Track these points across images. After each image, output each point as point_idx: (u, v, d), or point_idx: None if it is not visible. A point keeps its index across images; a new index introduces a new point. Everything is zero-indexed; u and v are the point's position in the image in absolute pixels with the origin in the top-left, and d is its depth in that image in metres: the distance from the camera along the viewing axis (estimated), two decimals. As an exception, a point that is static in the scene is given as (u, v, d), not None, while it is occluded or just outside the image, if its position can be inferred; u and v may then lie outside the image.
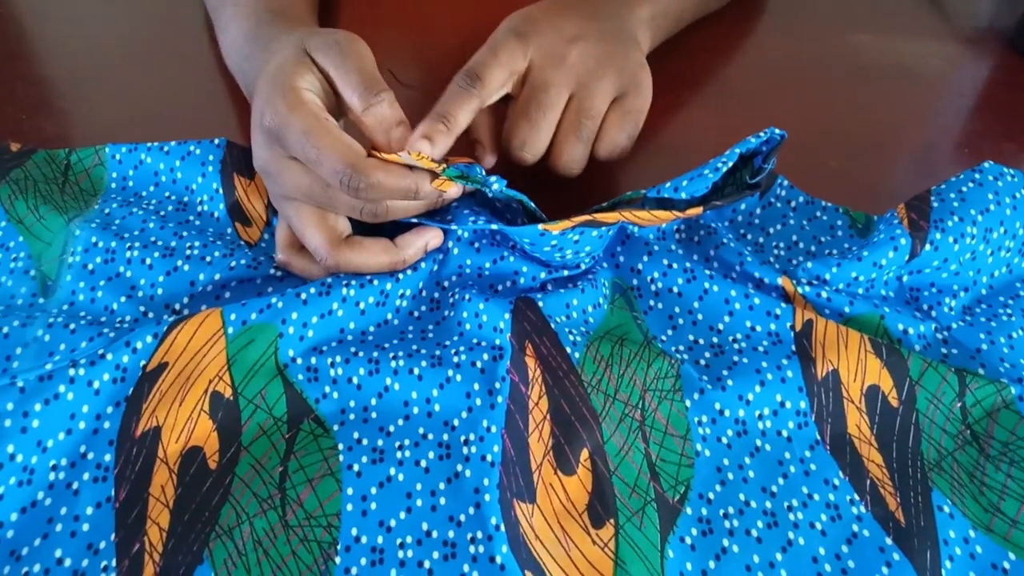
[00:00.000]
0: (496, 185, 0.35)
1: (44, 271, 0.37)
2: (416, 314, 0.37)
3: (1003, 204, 0.39)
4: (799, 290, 0.38)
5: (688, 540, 0.31)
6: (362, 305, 0.36)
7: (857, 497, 0.33)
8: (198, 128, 0.45)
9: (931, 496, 0.33)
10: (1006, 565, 0.31)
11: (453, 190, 0.35)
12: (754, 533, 0.31)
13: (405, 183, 0.33)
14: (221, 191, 0.41)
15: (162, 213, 0.40)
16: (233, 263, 0.37)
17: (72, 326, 0.34)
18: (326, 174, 0.33)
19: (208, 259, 0.37)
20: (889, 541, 0.31)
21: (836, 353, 0.35)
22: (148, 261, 0.37)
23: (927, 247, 0.38)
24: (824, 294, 0.38)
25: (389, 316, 0.37)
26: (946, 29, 0.64)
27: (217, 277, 0.37)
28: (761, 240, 0.43)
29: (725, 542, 0.31)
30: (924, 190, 0.41)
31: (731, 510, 0.32)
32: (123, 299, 0.36)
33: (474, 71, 0.37)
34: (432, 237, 0.37)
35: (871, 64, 0.59)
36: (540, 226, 0.35)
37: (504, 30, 0.40)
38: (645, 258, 0.40)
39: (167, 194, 0.42)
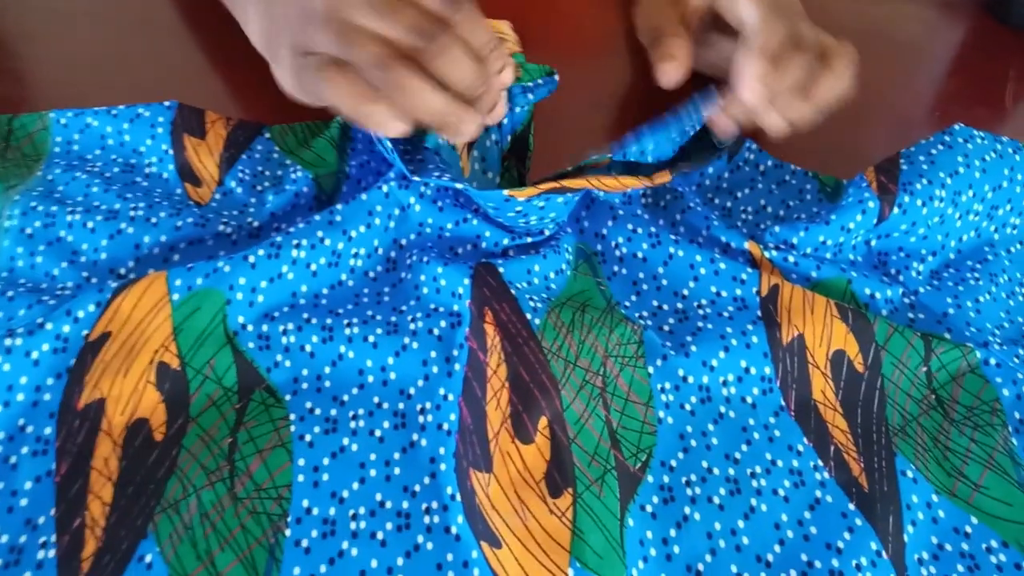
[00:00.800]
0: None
1: (-18, 238, 0.36)
2: (372, 274, 0.36)
3: (972, 167, 0.39)
4: (766, 255, 0.37)
5: (649, 508, 0.30)
6: (313, 267, 0.35)
7: (821, 463, 0.32)
8: (149, 89, 0.43)
9: (895, 461, 0.32)
10: (968, 529, 0.31)
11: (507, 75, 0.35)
12: (716, 500, 0.31)
13: (491, 36, 0.33)
14: (171, 151, 0.40)
15: (107, 175, 0.39)
16: (179, 223, 0.36)
17: (10, 293, 0.32)
18: None
19: (153, 220, 0.36)
20: (852, 507, 0.31)
21: (802, 318, 0.35)
22: (90, 225, 0.35)
23: (895, 210, 0.37)
24: (791, 258, 0.37)
25: (343, 277, 0.36)
26: (921, -8, 0.63)
27: (163, 239, 0.35)
28: (729, 204, 0.42)
29: (687, 510, 0.31)
30: (894, 153, 0.41)
31: (693, 477, 0.31)
32: (65, 264, 0.34)
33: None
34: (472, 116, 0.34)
35: (845, 27, 0.57)
36: (506, 192, 0.34)
37: None
38: (610, 223, 0.39)
39: (114, 156, 0.40)
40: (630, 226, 0.39)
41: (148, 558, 0.27)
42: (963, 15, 0.60)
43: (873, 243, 0.40)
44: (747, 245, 0.38)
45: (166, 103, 0.41)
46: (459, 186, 0.34)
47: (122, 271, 0.35)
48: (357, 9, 0.32)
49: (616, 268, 0.38)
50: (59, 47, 0.47)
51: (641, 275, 0.38)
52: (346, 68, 0.32)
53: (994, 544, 0.31)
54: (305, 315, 0.34)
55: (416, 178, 0.35)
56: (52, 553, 0.27)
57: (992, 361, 0.35)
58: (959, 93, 0.53)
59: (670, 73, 0.41)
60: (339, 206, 0.36)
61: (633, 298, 0.37)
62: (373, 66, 0.31)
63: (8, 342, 0.30)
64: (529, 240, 0.38)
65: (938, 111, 0.52)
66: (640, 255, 0.38)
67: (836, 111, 0.49)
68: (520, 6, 0.54)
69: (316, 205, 0.39)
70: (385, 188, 0.36)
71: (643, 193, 0.41)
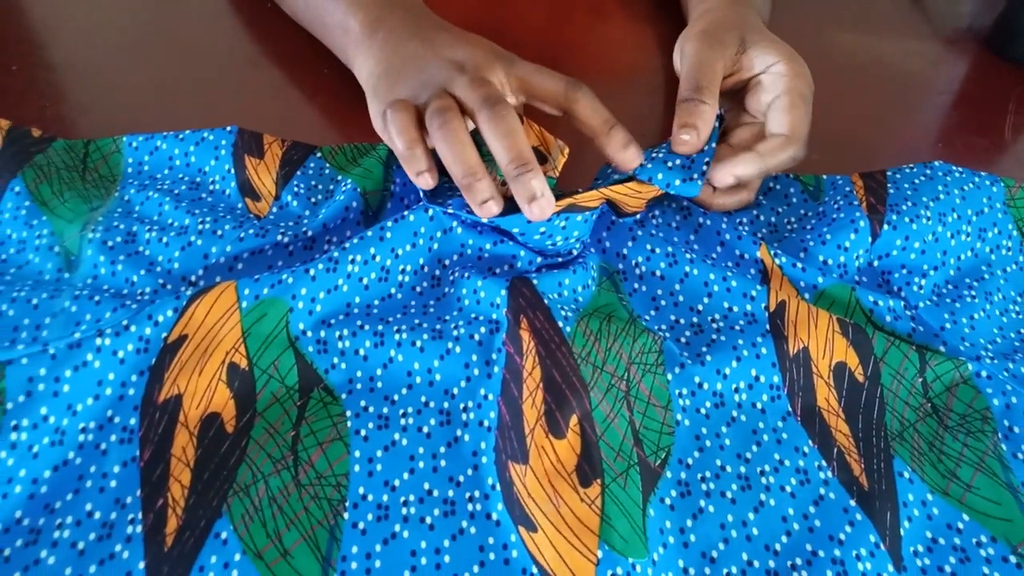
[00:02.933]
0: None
1: (67, 247, 0.40)
2: (418, 289, 0.40)
3: (952, 194, 0.43)
4: (776, 262, 0.41)
5: (668, 501, 0.34)
6: (365, 280, 0.38)
7: (824, 463, 0.36)
8: (212, 114, 0.47)
9: (893, 463, 0.36)
10: (960, 525, 0.34)
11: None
12: (728, 495, 0.34)
13: (608, 117, 0.39)
14: (232, 171, 0.44)
15: (176, 192, 0.43)
16: (242, 234, 0.40)
17: (97, 298, 0.36)
18: (550, 77, 0.39)
19: (219, 232, 0.40)
20: (853, 503, 0.34)
21: (807, 332, 0.38)
22: (165, 240, 0.39)
23: (886, 227, 0.41)
24: (799, 265, 0.41)
25: (392, 291, 0.39)
26: (927, 29, 0.66)
27: (228, 249, 0.39)
28: (725, 219, 0.45)
29: (702, 503, 0.34)
30: (879, 171, 0.45)
31: (708, 474, 0.35)
32: (143, 272, 0.38)
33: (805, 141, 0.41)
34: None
35: (852, 62, 0.62)
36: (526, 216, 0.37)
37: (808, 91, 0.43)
38: (630, 243, 0.42)
39: (181, 175, 0.44)
40: (648, 246, 0.42)
41: (223, 535, 0.31)
42: (965, 50, 0.64)
43: (875, 263, 0.43)
44: (759, 253, 0.41)
45: (227, 128, 0.45)
46: (485, 219, 0.38)
47: (193, 278, 0.39)
48: (486, 107, 0.37)
49: (636, 285, 0.42)
50: (124, 75, 0.51)
51: (659, 292, 0.41)
52: (413, 109, 0.37)
53: (983, 539, 0.34)
54: (359, 322, 0.37)
55: (450, 210, 0.39)
56: (139, 529, 0.31)
57: (984, 373, 0.38)
58: (961, 124, 0.57)
59: (685, 146, 0.40)
60: (389, 223, 0.39)
61: (652, 312, 0.41)
62: (434, 112, 0.36)
63: (98, 341, 0.34)
64: (560, 260, 0.41)
65: (940, 142, 0.55)
66: (658, 273, 0.42)
67: (846, 141, 0.53)
68: (555, 36, 0.58)
69: (363, 220, 0.43)
70: (430, 212, 0.40)
71: (652, 214, 0.44)
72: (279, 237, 0.40)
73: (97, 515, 0.31)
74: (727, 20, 0.45)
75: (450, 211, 0.39)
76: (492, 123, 0.36)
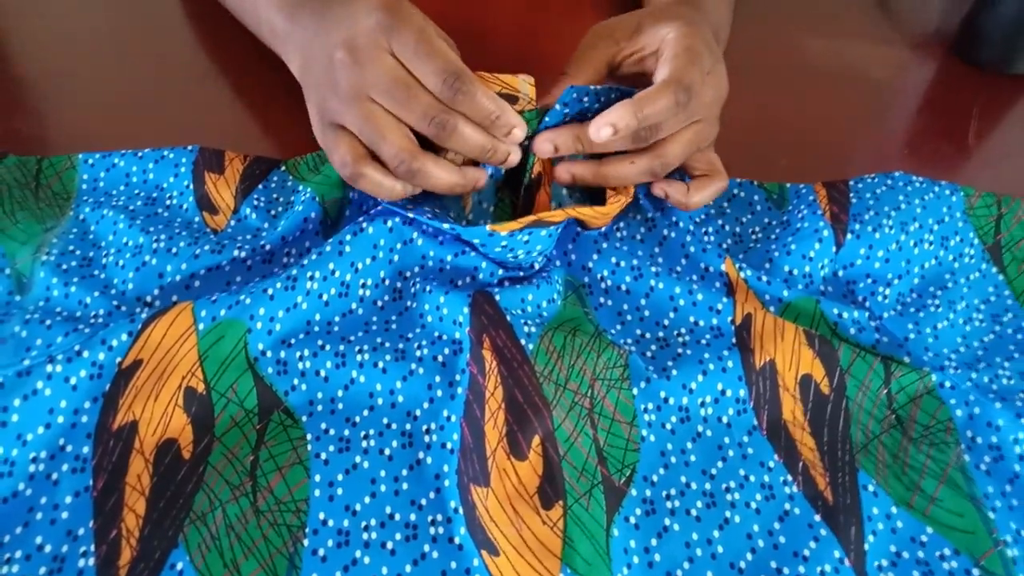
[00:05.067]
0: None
1: (19, 269, 0.39)
2: (380, 303, 0.39)
3: (912, 204, 0.43)
4: (741, 275, 0.41)
5: (632, 520, 0.33)
6: (325, 297, 0.38)
7: (790, 478, 0.35)
8: (173, 127, 0.47)
9: (858, 476, 0.36)
10: (924, 538, 0.34)
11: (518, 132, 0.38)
12: (693, 512, 0.34)
13: (495, 105, 0.36)
14: (191, 186, 0.43)
15: (131, 208, 0.42)
16: (198, 251, 0.39)
17: (48, 322, 0.35)
18: (430, 71, 0.35)
19: (174, 250, 0.39)
20: (817, 518, 0.34)
21: (773, 345, 0.38)
22: (121, 263, 0.38)
23: (849, 236, 0.41)
24: (764, 278, 0.41)
25: (353, 306, 0.39)
26: (894, 34, 0.67)
27: (184, 267, 0.38)
28: (691, 228, 0.45)
29: (667, 521, 0.34)
30: (841, 180, 0.45)
31: (673, 491, 0.35)
32: (96, 294, 0.37)
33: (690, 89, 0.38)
34: (480, 174, 0.39)
35: (820, 67, 0.62)
36: (488, 226, 0.37)
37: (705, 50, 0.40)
38: (595, 256, 0.42)
39: (137, 191, 0.44)
40: (614, 259, 0.42)
41: (179, 566, 0.30)
42: (931, 55, 0.64)
43: (840, 273, 0.43)
44: (724, 267, 0.41)
45: (188, 147, 0.45)
46: (445, 226, 0.38)
47: (148, 299, 0.38)
48: (376, 91, 0.36)
49: (602, 299, 0.41)
50: (83, 86, 0.50)
51: (625, 306, 0.41)
52: (371, 163, 0.37)
53: (947, 552, 0.34)
54: (319, 342, 0.37)
55: (411, 215, 0.38)
56: (92, 561, 0.30)
57: (947, 384, 0.38)
58: (926, 129, 0.57)
59: (601, 133, 0.38)
60: (347, 236, 0.39)
61: (618, 327, 0.40)
62: (395, 158, 0.36)
63: (49, 368, 0.33)
64: (521, 273, 0.41)
65: (906, 147, 0.55)
66: (624, 287, 0.41)
67: (813, 146, 0.53)
68: (530, 25, 0.58)
69: (322, 230, 0.42)
70: (389, 223, 0.40)
71: (616, 227, 0.44)
72: (236, 252, 0.40)
73: (48, 548, 0.30)
74: (641, 12, 0.43)
75: (411, 216, 0.39)
76: (452, 142, 0.37)
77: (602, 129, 0.37)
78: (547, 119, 0.40)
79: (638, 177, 0.40)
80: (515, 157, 0.39)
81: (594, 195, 0.44)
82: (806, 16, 0.67)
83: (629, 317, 0.41)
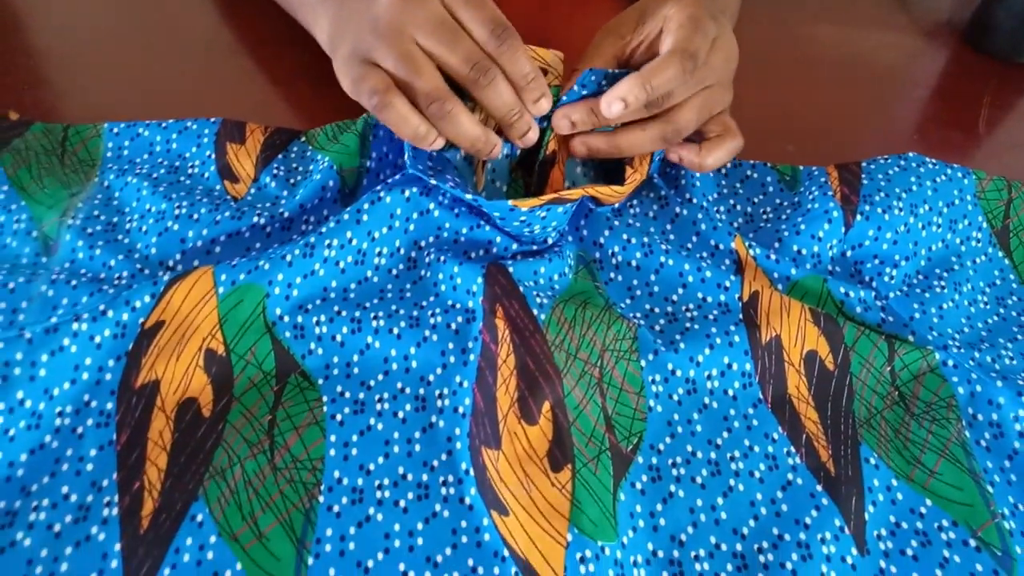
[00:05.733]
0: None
1: (46, 232, 0.40)
2: (395, 271, 0.40)
3: (924, 186, 0.44)
4: (750, 253, 0.41)
5: (639, 485, 0.34)
6: (342, 264, 0.39)
7: (793, 449, 0.36)
8: (196, 100, 0.47)
9: (860, 449, 0.36)
10: (923, 510, 0.35)
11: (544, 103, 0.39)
12: (699, 480, 0.35)
13: (533, 68, 0.37)
14: (213, 156, 0.44)
15: (154, 175, 0.43)
16: (218, 217, 0.40)
17: (74, 282, 0.36)
18: (480, 20, 0.36)
19: (195, 216, 0.40)
20: (819, 488, 0.35)
21: (779, 321, 0.39)
22: (144, 228, 0.39)
23: (859, 217, 0.42)
24: (773, 256, 0.41)
25: (369, 273, 0.40)
26: (905, 22, 0.67)
27: (205, 232, 0.40)
28: (704, 206, 0.46)
29: (672, 487, 0.34)
30: (854, 161, 0.45)
31: (679, 459, 0.35)
32: (120, 257, 0.38)
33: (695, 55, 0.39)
34: (499, 142, 0.40)
35: (831, 54, 0.62)
36: (511, 202, 0.38)
37: (708, 18, 0.41)
38: (606, 232, 0.43)
39: (160, 160, 0.45)
40: (625, 236, 0.43)
41: (199, 517, 0.31)
42: (943, 44, 0.65)
43: (848, 254, 0.44)
44: (734, 244, 0.42)
45: (212, 119, 0.45)
46: (469, 197, 0.39)
47: (171, 263, 0.39)
48: (420, 31, 0.37)
49: (612, 274, 0.42)
50: (107, 60, 0.51)
51: (635, 282, 0.42)
52: (400, 95, 0.37)
53: (945, 523, 0.35)
54: (336, 308, 0.38)
55: (433, 181, 0.39)
56: (115, 511, 0.31)
57: (950, 362, 0.39)
58: (937, 117, 0.58)
59: (612, 107, 0.39)
60: (365, 205, 0.40)
61: (628, 301, 0.41)
62: (429, 101, 0.37)
63: (75, 326, 0.34)
64: (535, 247, 0.42)
65: (916, 134, 0.56)
66: (634, 263, 0.42)
67: (823, 133, 0.53)
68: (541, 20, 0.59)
69: (340, 198, 0.43)
70: (407, 193, 0.40)
71: (630, 204, 0.45)
72: (256, 219, 0.41)
73: (73, 498, 0.31)
74: (641, 2, 0.43)
75: (433, 182, 0.39)
76: (487, 92, 0.37)
77: (613, 104, 0.38)
78: (564, 99, 0.40)
79: (652, 144, 0.41)
80: (533, 135, 0.40)
81: (607, 174, 0.45)
82: (819, 4, 0.68)
83: (639, 292, 0.41)
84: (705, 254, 0.42)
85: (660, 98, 0.39)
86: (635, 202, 0.45)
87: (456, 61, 0.37)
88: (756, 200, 0.47)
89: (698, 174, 0.46)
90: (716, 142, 0.42)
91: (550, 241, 0.42)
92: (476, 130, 0.38)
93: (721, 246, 0.42)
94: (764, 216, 0.46)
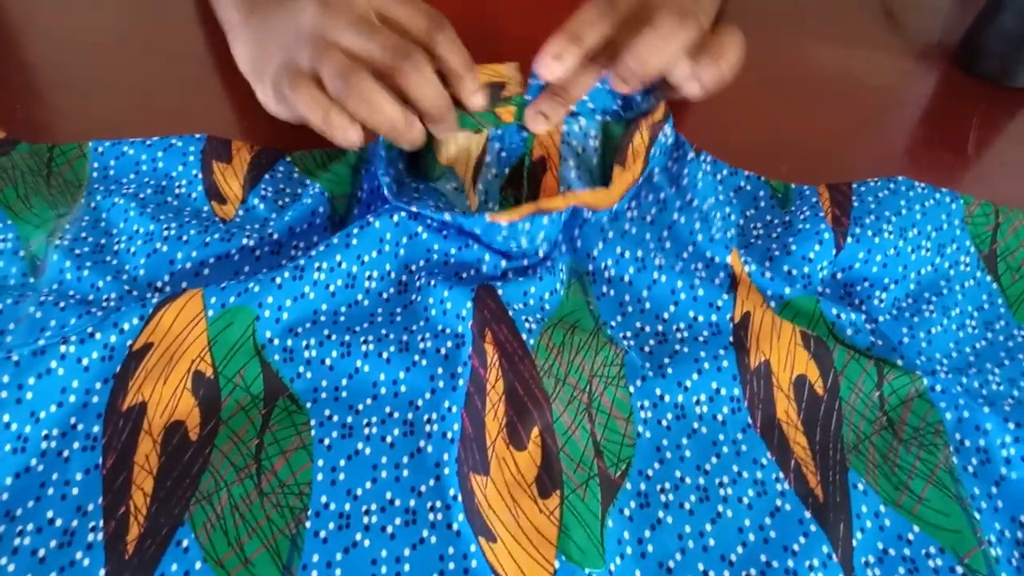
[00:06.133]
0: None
1: (33, 252, 0.40)
2: (385, 295, 0.40)
3: (913, 210, 0.44)
4: (746, 269, 0.41)
5: (627, 512, 0.34)
6: (332, 288, 0.39)
7: (782, 475, 0.36)
8: (185, 118, 0.47)
9: (848, 475, 0.36)
10: (911, 537, 0.35)
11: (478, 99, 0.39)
12: (687, 506, 0.35)
13: (467, 60, 0.37)
14: (200, 175, 0.44)
15: (141, 196, 0.43)
16: (208, 239, 0.40)
17: (62, 304, 0.36)
18: (416, 12, 0.36)
19: (184, 238, 0.40)
20: (808, 514, 0.35)
21: (769, 345, 0.39)
22: (132, 249, 0.39)
23: (849, 239, 0.42)
24: (768, 274, 0.41)
25: (359, 297, 0.40)
26: (897, 44, 0.67)
27: (194, 254, 0.39)
28: (703, 209, 0.46)
29: (660, 514, 0.34)
30: (845, 182, 0.46)
31: (667, 486, 0.35)
32: (109, 278, 0.38)
33: None
34: (420, 128, 0.39)
35: (823, 73, 0.63)
36: (487, 216, 0.38)
37: None
38: (600, 244, 0.43)
39: (147, 180, 0.44)
40: (618, 249, 0.43)
41: (185, 543, 0.31)
42: (934, 65, 0.65)
43: (839, 276, 0.44)
44: (729, 259, 0.42)
45: (196, 135, 0.45)
46: (447, 216, 0.39)
47: (159, 284, 0.39)
48: (339, 29, 0.37)
49: (605, 289, 0.42)
50: (97, 76, 0.51)
51: (627, 297, 0.42)
52: (310, 79, 0.37)
53: (932, 550, 0.35)
54: (326, 331, 0.37)
55: (414, 208, 0.39)
56: (100, 536, 0.31)
57: (938, 387, 0.39)
58: (927, 138, 0.58)
59: (549, 67, 0.39)
60: (354, 229, 0.40)
61: (619, 318, 0.41)
62: (334, 76, 0.36)
63: (62, 348, 0.34)
64: (526, 263, 0.42)
65: (907, 155, 0.56)
66: (627, 279, 0.42)
67: (814, 153, 0.53)
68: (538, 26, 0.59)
69: (330, 225, 0.43)
70: (395, 218, 0.40)
71: (628, 206, 0.45)
72: (245, 240, 0.40)
73: (58, 522, 0.31)
74: None
75: (414, 209, 0.39)
76: (409, 78, 0.36)
77: (549, 65, 0.38)
78: (528, 95, 0.41)
79: (596, 82, 0.41)
80: (445, 135, 0.40)
81: (605, 172, 0.45)
82: (811, 23, 0.68)
83: (630, 308, 0.42)
84: (700, 266, 0.43)
85: (590, 39, 0.38)
86: (633, 204, 0.45)
87: (376, 49, 0.36)
88: (748, 213, 0.47)
89: (699, 174, 0.45)
90: (716, 43, 0.40)
91: (541, 254, 0.42)
92: (391, 109, 0.37)
93: (717, 259, 0.42)
94: (755, 231, 0.46)
